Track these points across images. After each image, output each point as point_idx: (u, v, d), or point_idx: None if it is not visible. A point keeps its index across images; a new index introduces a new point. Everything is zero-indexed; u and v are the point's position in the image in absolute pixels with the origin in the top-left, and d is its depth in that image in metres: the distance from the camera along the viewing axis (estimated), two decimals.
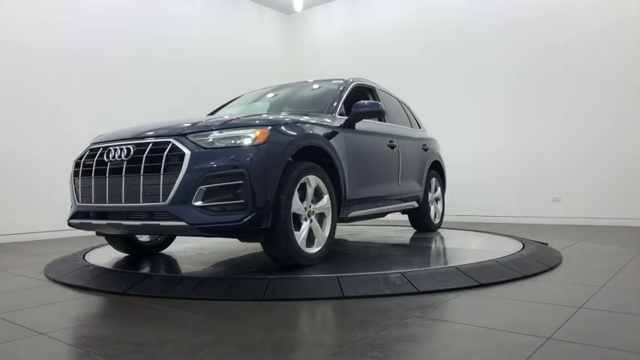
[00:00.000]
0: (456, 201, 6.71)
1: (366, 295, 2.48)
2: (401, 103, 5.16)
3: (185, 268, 3.28)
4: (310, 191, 3.08)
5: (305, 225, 3.04)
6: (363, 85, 4.34)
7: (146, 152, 2.78)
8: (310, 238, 3.10)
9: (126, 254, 3.84)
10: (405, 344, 1.74)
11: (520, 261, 3.17)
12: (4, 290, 2.92)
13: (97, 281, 2.92)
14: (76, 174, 3.15)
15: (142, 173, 2.75)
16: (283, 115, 3.24)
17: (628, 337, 1.80)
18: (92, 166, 3.01)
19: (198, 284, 2.64)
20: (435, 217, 5.29)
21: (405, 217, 5.23)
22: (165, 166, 2.70)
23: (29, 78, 5.84)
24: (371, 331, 1.90)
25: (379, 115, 3.74)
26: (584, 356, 1.60)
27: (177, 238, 4.36)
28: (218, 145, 2.74)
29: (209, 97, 6.69)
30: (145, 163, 2.75)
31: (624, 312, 2.14)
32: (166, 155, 2.71)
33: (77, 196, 3.13)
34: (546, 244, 4.08)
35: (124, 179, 2.81)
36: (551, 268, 3.17)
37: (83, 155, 3.17)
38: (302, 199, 3.03)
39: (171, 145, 2.73)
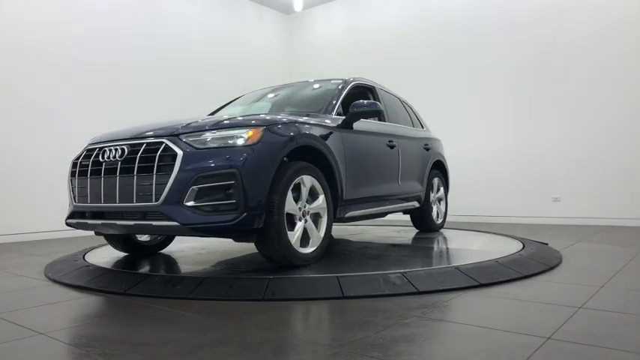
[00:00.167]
0: (456, 201, 6.70)
1: (366, 295, 2.48)
2: (403, 102, 5.15)
3: (185, 268, 3.28)
4: (305, 191, 3.08)
5: (299, 225, 3.04)
6: (363, 84, 4.33)
7: (140, 153, 2.80)
8: (305, 238, 3.10)
9: (125, 254, 3.85)
10: (405, 344, 1.74)
11: (520, 261, 3.17)
12: (4, 290, 2.92)
13: (97, 281, 2.92)
14: (73, 174, 3.18)
15: (135, 173, 2.77)
16: (277, 116, 3.24)
17: (628, 337, 1.80)
18: (88, 167, 3.04)
19: (198, 284, 2.64)
20: (438, 217, 5.27)
21: (407, 217, 5.22)
22: (158, 166, 2.71)
23: (29, 78, 5.84)
24: (371, 331, 1.90)
25: (377, 114, 3.73)
26: (584, 356, 1.60)
27: (177, 237, 4.36)
28: (211, 145, 2.75)
29: (209, 97, 6.69)
30: (138, 163, 2.78)
31: (624, 312, 2.14)
32: (159, 155, 2.73)
33: (74, 196, 3.16)
34: (546, 244, 4.08)
35: (118, 179, 2.84)
36: (551, 268, 3.17)
37: (80, 156, 3.20)
38: (297, 199, 3.03)
39: (164, 145, 2.75)
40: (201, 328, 2.01)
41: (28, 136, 5.79)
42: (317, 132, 3.24)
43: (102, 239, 4.09)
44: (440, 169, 5.35)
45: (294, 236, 2.96)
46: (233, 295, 2.51)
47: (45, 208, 5.68)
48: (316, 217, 3.21)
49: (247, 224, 2.69)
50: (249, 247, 4.06)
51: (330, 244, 4.37)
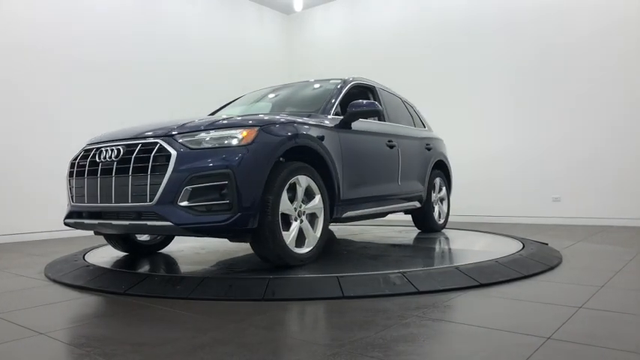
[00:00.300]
0: (456, 201, 6.68)
1: (366, 295, 2.48)
2: (404, 102, 5.13)
3: (185, 268, 3.29)
4: (300, 191, 3.07)
5: (294, 225, 3.03)
6: (363, 84, 4.33)
7: (135, 153, 2.81)
8: (301, 238, 3.09)
9: (125, 253, 3.86)
10: (405, 344, 1.74)
11: (520, 261, 3.17)
12: (4, 290, 2.92)
13: (97, 281, 2.92)
14: (70, 174, 3.21)
15: (130, 174, 2.78)
16: (272, 116, 3.24)
17: (628, 337, 1.80)
18: (85, 167, 3.06)
19: (198, 284, 2.64)
20: (440, 217, 5.24)
21: (409, 217, 5.19)
22: (152, 166, 2.73)
23: (29, 78, 5.84)
24: (371, 331, 1.90)
25: (375, 114, 3.72)
26: (584, 356, 1.60)
27: (176, 237, 4.36)
28: (205, 145, 2.76)
29: (209, 97, 6.68)
30: (133, 163, 2.79)
31: (624, 312, 2.14)
32: (153, 156, 2.74)
33: (72, 196, 3.18)
34: (546, 244, 4.08)
35: (114, 179, 2.85)
36: (551, 268, 3.17)
37: (77, 156, 3.22)
38: (292, 199, 3.03)
39: (158, 145, 2.76)
40: (201, 328, 2.01)
41: (28, 136, 5.79)
42: (313, 132, 3.23)
43: (102, 239, 4.09)
44: (442, 169, 5.32)
45: (289, 236, 2.96)
46: (233, 295, 2.51)
47: (45, 208, 5.68)
48: (312, 218, 3.21)
49: (241, 224, 2.69)
50: (248, 247, 4.06)
51: (330, 244, 4.37)
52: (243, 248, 4.06)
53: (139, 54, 6.95)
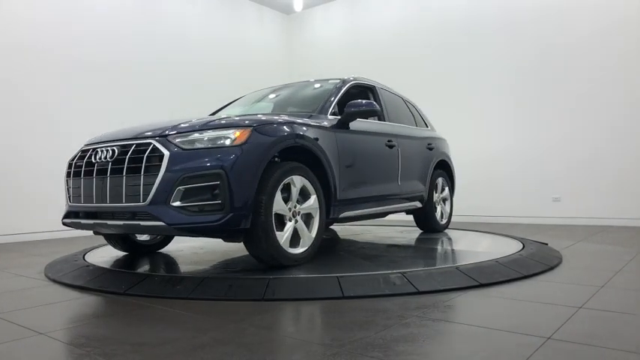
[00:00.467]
0: (456, 201, 6.69)
1: (366, 295, 2.48)
2: (406, 102, 5.10)
3: (184, 268, 3.28)
4: (295, 191, 3.07)
5: (289, 225, 3.03)
6: (363, 84, 4.32)
7: (129, 153, 2.83)
8: (296, 239, 3.09)
9: (125, 253, 3.87)
10: (405, 344, 1.74)
11: (520, 261, 3.17)
12: (4, 290, 2.92)
13: (97, 281, 2.92)
14: (68, 174, 3.24)
15: (124, 174, 2.80)
16: (266, 116, 3.24)
17: (628, 337, 1.80)
18: (82, 167, 3.08)
19: (198, 284, 2.64)
20: (442, 217, 5.21)
21: (411, 217, 5.15)
22: (145, 167, 2.74)
23: (29, 78, 5.84)
24: (371, 331, 1.90)
25: (372, 114, 3.71)
26: (584, 356, 1.60)
27: (176, 237, 4.36)
28: (197, 146, 2.77)
29: (209, 97, 6.69)
30: (127, 164, 2.81)
31: (624, 312, 2.14)
32: (147, 156, 2.76)
33: (69, 197, 3.21)
34: (546, 244, 4.08)
35: (108, 180, 2.87)
36: (551, 268, 3.17)
37: (75, 156, 3.25)
38: (287, 199, 3.04)
39: (152, 146, 2.78)
40: (201, 328, 2.01)
41: (28, 136, 5.79)
42: (308, 132, 3.23)
43: (102, 239, 4.10)
44: (445, 169, 5.28)
45: (283, 237, 2.96)
46: (233, 295, 2.51)
47: (45, 208, 5.68)
48: (308, 218, 3.21)
49: (233, 224, 2.70)
50: None
51: (332, 243, 4.37)
52: (242, 248, 4.04)
53: (139, 54, 6.95)
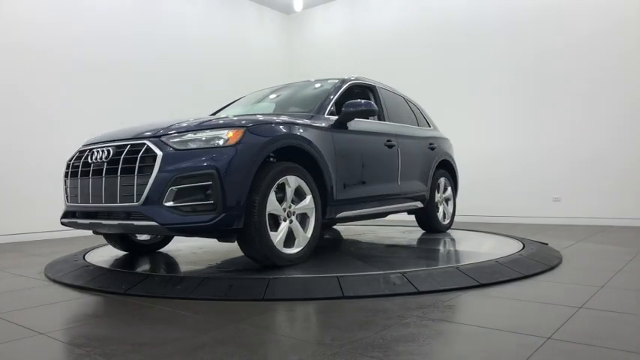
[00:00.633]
0: (457, 201, 6.70)
1: (366, 295, 2.48)
2: (408, 101, 5.08)
3: (185, 267, 3.29)
4: (290, 192, 3.07)
5: (283, 225, 3.03)
6: (362, 84, 4.32)
7: (123, 154, 2.85)
8: (291, 239, 3.09)
9: (125, 253, 3.88)
10: (405, 344, 1.74)
11: (520, 261, 3.17)
12: (4, 290, 2.92)
13: (97, 281, 2.92)
14: (66, 175, 3.27)
15: (119, 174, 2.83)
16: (260, 117, 3.24)
17: (628, 337, 1.80)
18: (79, 168, 3.11)
19: (198, 284, 2.64)
20: (444, 217, 5.16)
21: (414, 217, 5.13)
22: (139, 167, 2.76)
23: (29, 78, 5.84)
24: (371, 331, 1.90)
25: (370, 114, 3.70)
26: (584, 356, 1.60)
27: (176, 236, 4.36)
28: (190, 146, 2.78)
29: (209, 97, 6.69)
30: (121, 164, 2.83)
31: (624, 312, 2.14)
32: (140, 157, 2.78)
33: (67, 196, 3.25)
34: (546, 244, 4.08)
35: (104, 180, 2.90)
36: (551, 268, 3.17)
37: (73, 157, 3.28)
38: (282, 199, 3.04)
39: (145, 146, 2.80)
40: (201, 328, 2.01)
41: (28, 136, 5.79)
42: (302, 132, 3.22)
43: (102, 239, 4.10)
44: (447, 168, 5.25)
45: (277, 237, 2.96)
46: (233, 295, 2.51)
47: (45, 208, 5.67)
48: (304, 218, 3.21)
49: (225, 224, 2.71)
50: None
51: (332, 244, 4.37)
52: None
53: (139, 54, 6.95)
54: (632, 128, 6.13)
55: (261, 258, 2.93)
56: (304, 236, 3.17)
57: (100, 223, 2.96)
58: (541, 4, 6.78)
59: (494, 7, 7.18)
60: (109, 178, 2.87)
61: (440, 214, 5.09)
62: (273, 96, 4.43)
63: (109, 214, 2.90)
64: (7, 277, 3.34)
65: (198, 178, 2.70)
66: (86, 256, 3.73)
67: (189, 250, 4.02)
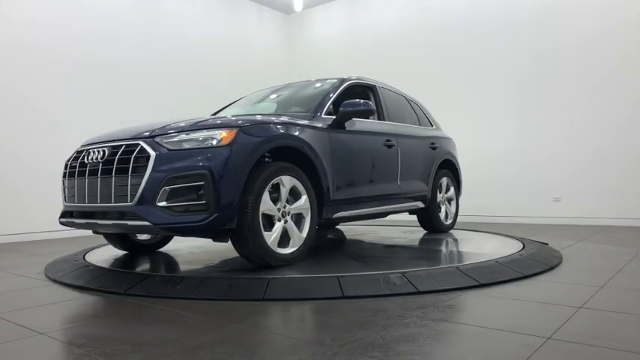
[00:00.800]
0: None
1: (366, 295, 2.48)
2: (410, 101, 5.06)
3: (185, 267, 3.28)
4: (284, 192, 3.07)
5: (278, 225, 3.03)
6: (362, 83, 4.31)
7: (118, 154, 2.87)
8: (286, 239, 3.09)
9: (125, 252, 3.88)
10: (405, 344, 1.74)
11: (520, 261, 3.17)
12: (4, 290, 2.92)
13: (97, 281, 2.92)
14: (64, 175, 3.30)
15: (113, 175, 2.85)
16: (254, 117, 3.24)
17: (628, 337, 1.80)
18: (76, 168, 3.13)
19: (198, 284, 2.64)
20: (447, 217, 5.13)
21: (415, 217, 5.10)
22: (133, 167, 2.78)
23: (29, 79, 5.84)
24: (371, 331, 1.90)
25: (368, 114, 3.69)
26: (584, 356, 1.60)
27: (175, 236, 4.36)
28: (184, 146, 2.80)
29: (209, 97, 6.70)
30: (116, 164, 2.85)
31: (624, 312, 2.14)
32: (134, 157, 2.80)
33: (65, 196, 3.27)
34: (546, 244, 4.08)
35: (99, 180, 2.92)
36: (552, 268, 3.17)
37: (71, 157, 3.31)
38: (277, 199, 3.04)
39: (139, 147, 2.82)
40: (201, 328, 2.01)
41: (28, 136, 5.79)
42: (298, 132, 3.23)
43: (102, 239, 4.10)
44: (450, 168, 5.22)
45: (271, 237, 2.96)
46: (233, 295, 2.51)
47: (45, 208, 5.68)
48: (299, 218, 3.21)
49: (218, 224, 2.72)
50: None
51: (333, 243, 4.37)
52: None
53: (139, 54, 6.95)
54: (632, 128, 6.13)
55: (255, 258, 2.94)
56: (299, 236, 3.16)
57: (96, 223, 2.98)
58: (541, 4, 6.78)
59: (494, 7, 7.18)
60: (104, 178, 2.89)
61: (442, 215, 5.06)
62: (273, 96, 4.43)
63: (104, 214, 2.93)
64: (7, 277, 3.34)
65: (190, 178, 2.71)
66: (86, 256, 3.73)
67: (189, 250, 4.02)
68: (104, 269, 3.19)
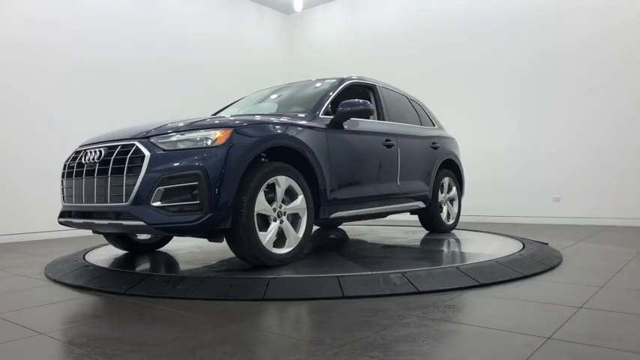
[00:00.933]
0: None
1: (366, 295, 2.48)
2: (411, 100, 5.04)
3: (185, 267, 3.29)
4: (280, 192, 3.07)
5: (273, 225, 3.03)
6: (362, 83, 4.30)
7: (114, 155, 2.89)
8: (282, 239, 3.09)
9: (125, 252, 3.89)
10: (405, 344, 1.74)
11: (520, 261, 3.17)
12: (4, 290, 2.92)
13: (97, 281, 2.92)
14: (62, 175, 3.32)
15: (109, 175, 2.87)
16: (249, 117, 3.24)
17: (628, 337, 1.80)
18: (74, 168, 3.15)
19: (198, 284, 2.64)
20: (449, 218, 5.11)
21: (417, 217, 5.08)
22: (128, 167, 2.80)
23: (29, 78, 5.84)
24: (371, 331, 1.90)
25: (366, 113, 3.68)
26: (584, 356, 1.60)
27: (175, 236, 4.36)
28: (179, 146, 2.81)
29: (209, 97, 6.70)
30: (112, 165, 2.87)
31: (624, 312, 2.14)
32: (129, 157, 2.82)
33: (63, 196, 3.30)
34: (546, 244, 4.08)
35: (95, 180, 2.94)
36: (552, 268, 3.17)
37: (69, 157, 3.33)
38: (273, 199, 3.04)
39: (134, 147, 2.83)
40: (201, 328, 2.01)
41: (27, 136, 5.79)
42: (293, 132, 3.22)
43: (102, 239, 4.11)
44: (452, 168, 5.19)
45: (266, 237, 2.96)
46: (233, 295, 2.51)
47: (45, 208, 5.67)
48: (295, 218, 3.21)
49: (212, 224, 2.72)
50: None
51: (333, 243, 4.37)
52: None
53: (139, 54, 6.95)
54: (632, 128, 6.13)
55: (250, 258, 2.94)
56: (295, 236, 3.16)
57: (93, 223, 3.00)
58: (541, 4, 6.78)
59: (494, 7, 7.18)
60: (101, 178, 2.91)
61: (444, 215, 5.04)
62: (274, 96, 4.43)
63: (101, 214, 2.95)
64: (7, 277, 3.34)
65: (184, 178, 2.72)
66: (86, 256, 3.73)
67: (189, 250, 4.02)
68: (104, 269, 3.19)
